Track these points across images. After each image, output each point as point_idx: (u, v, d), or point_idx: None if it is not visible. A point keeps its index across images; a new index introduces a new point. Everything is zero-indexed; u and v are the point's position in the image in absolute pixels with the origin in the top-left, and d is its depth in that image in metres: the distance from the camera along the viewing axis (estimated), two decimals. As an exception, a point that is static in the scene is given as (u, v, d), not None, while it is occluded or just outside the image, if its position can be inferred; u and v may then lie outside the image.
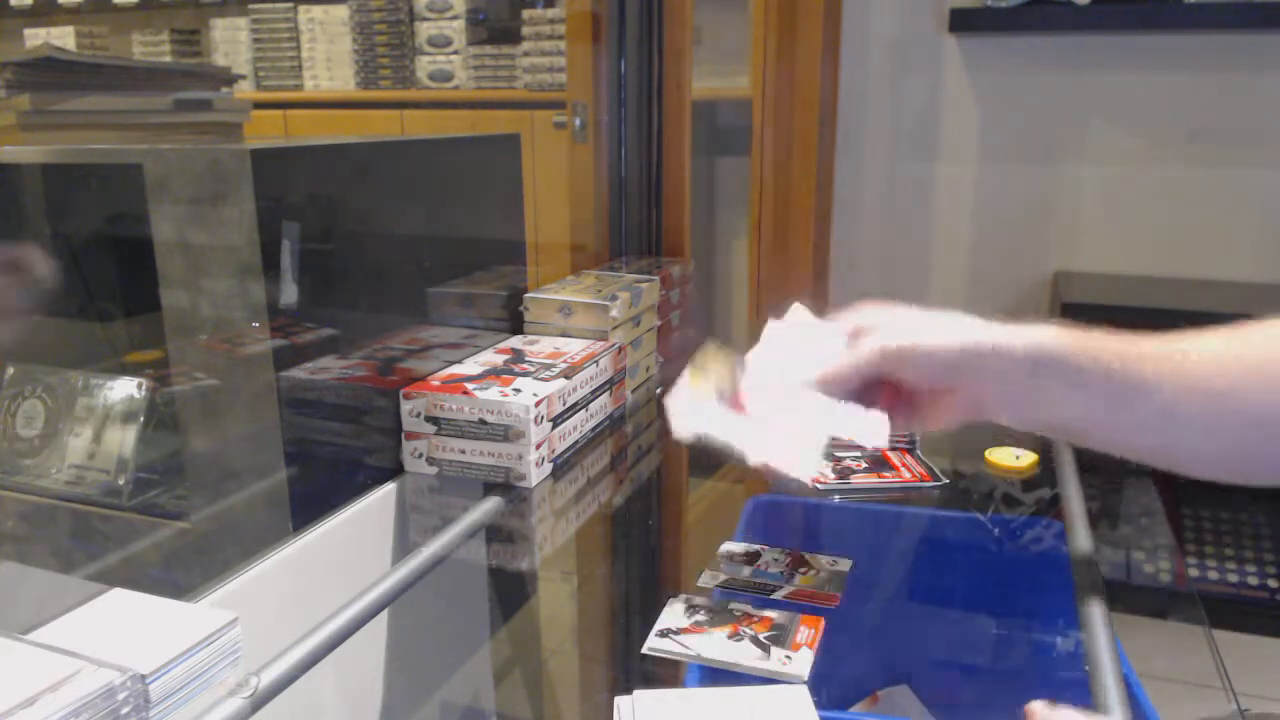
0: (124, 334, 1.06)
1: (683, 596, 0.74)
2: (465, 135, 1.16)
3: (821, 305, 0.74)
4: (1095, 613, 0.72)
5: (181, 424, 0.87)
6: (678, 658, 0.66)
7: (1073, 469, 0.99)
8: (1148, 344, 0.63)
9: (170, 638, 0.53)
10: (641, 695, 0.58)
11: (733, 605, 0.73)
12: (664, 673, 0.66)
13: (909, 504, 0.98)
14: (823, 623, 0.70)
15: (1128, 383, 0.61)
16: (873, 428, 0.64)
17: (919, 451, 1.08)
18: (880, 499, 0.99)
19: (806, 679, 0.63)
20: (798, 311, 0.72)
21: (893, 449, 1.08)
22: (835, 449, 1.07)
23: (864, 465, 1.04)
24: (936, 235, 2.17)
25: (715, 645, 0.67)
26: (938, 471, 1.01)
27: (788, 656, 0.65)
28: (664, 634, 0.69)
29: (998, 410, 0.65)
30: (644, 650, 0.67)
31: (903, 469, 1.02)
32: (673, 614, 0.71)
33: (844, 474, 1.02)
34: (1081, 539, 0.83)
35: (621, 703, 0.58)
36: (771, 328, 0.71)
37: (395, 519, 0.95)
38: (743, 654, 0.66)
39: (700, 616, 0.71)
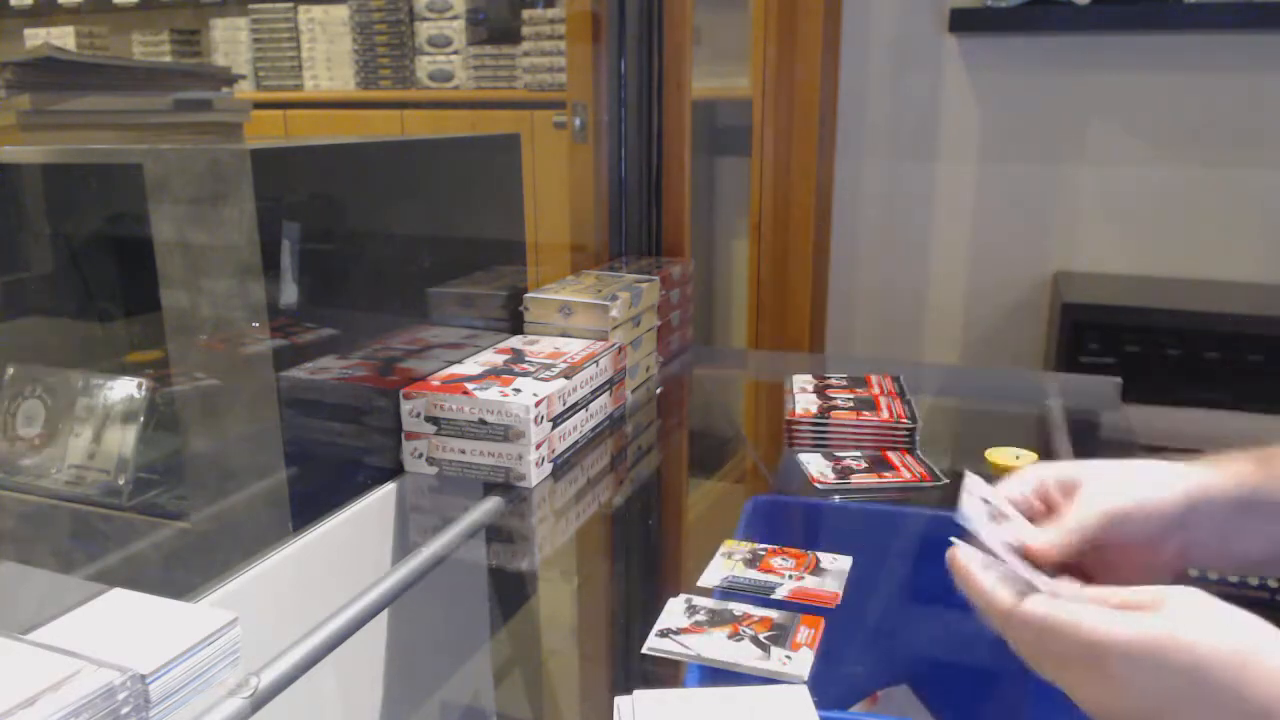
0: (124, 334, 1.06)
1: (683, 597, 0.73)
2: (465, 135, 1.16)
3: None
4: (1095, 613, 0.72)
5: (181, 424, 0.87)
6: (678, 658, 0.66)
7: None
8: None
9: (170, 638, 0.53)
10: (641, 695, 0.58)
11: (733, 605, 0.73)
12: (664, 673, 0.66)
13: (909, 504, 0.98)
14: (823, 622, 0.70)
15: None
16: None
17: (919, 451, 1.08)
18: (880, 499, 0.99)
19: (806, 679, 0.63)
20: (976, 485, 0.65)
21: (893, 448, 1.08)
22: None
23: (864, 465, 1.04)
24: (936, 235, 2.17)
25: (715, 645, 0.67)
26: (938, 471, 1.02)
27: (788, 656, 0.65)
28: (664, 634, 0.69)
29: (1204, 556, 0.61)
30: (644, 650, 0.67)
31: (903, 469, 1.03)
32: (673, 614, 0.71)
33: (844, 474, 1.02)
34: (1081, 539, 0.82)
35: (621, 703, 0.58)
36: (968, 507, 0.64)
37: (395, 519, 0.95)
38: (742, 654, 0.66)
39: (700, 616, 0.71)
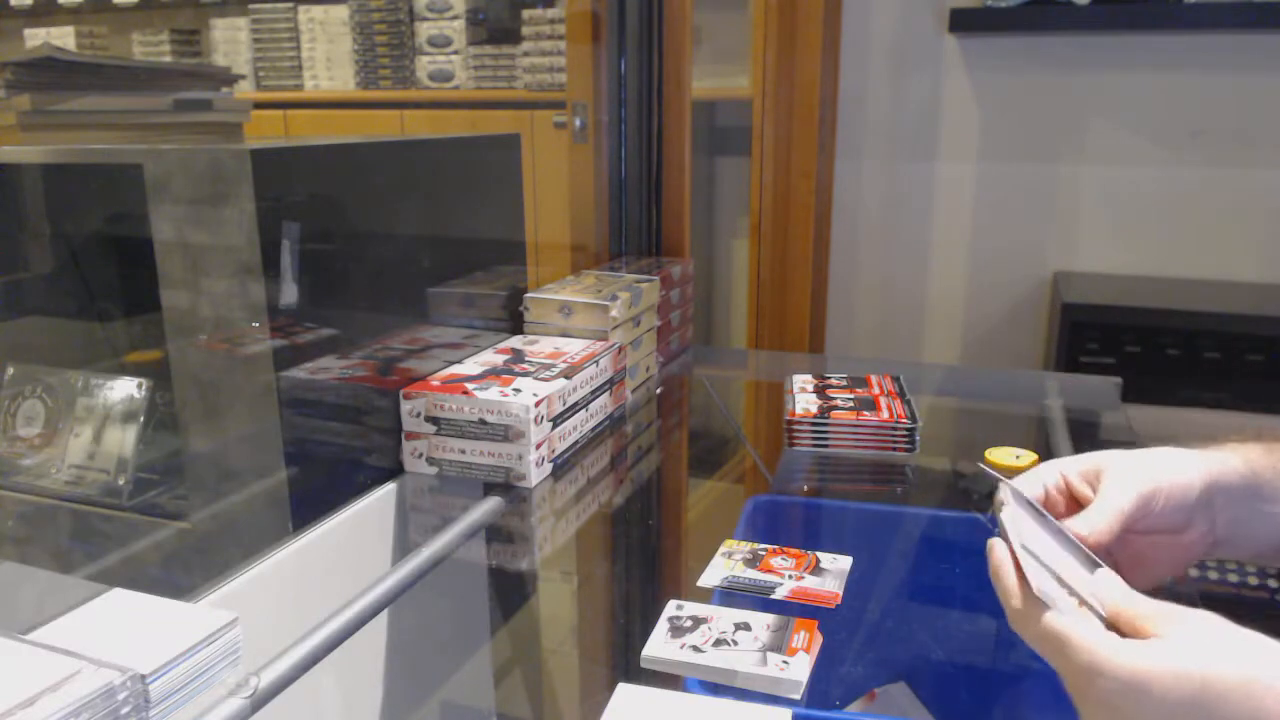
0: (124, 334, 1.06)
1: (675, 604, 0.73)
2: (465, 135, 1.16)
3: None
4: (1095, 613, 0.72)
5: (181, 424, 0.87)
6: (672, 670, 0.66)
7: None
8: None
9: (170, 638, 0.53)
10: (633, 690, 0.59)
11: (730, 609, 0.73)
12: (664, 673, 0.66)
13: (909, 504, 0.99)
14: (817, 625, 0.70)
15: None
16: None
17: (908, 396, 1.14)
18: (851, 440, 1.06)
19: (804, 686, 0.63)
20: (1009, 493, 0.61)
21: (884, 393, 1.15)
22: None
23: (851, 403, 1.11)
24: (936, 235, 2.17)
25: (712, 653, 0.67)
26: (916, 413, 1.07)
27: (785, 662, 0.65)
28: (661, 643, 0.68)
29: (1224, 541, 0.60)
30: (641, 663, 0.67)
31: (884, 409, 1.08)
32: (668, 621, 0.71)
33: (824, 410, 1.08)
34: (1081, 539, 0.82)
35: (620, 691, 0.58)
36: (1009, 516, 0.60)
37: (395, 519, 0.95)
38: (739, 661, 0.66)
39: (695, 622, 0.71)
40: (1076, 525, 0.56)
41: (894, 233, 2.20)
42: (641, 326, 1.26)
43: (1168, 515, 0.58)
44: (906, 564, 0.92)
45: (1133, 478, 0.58)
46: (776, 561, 0.80)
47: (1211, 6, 1.81)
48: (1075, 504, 0.60)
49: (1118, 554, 0.59)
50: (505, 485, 0.93)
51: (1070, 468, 0.60)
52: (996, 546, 0.53)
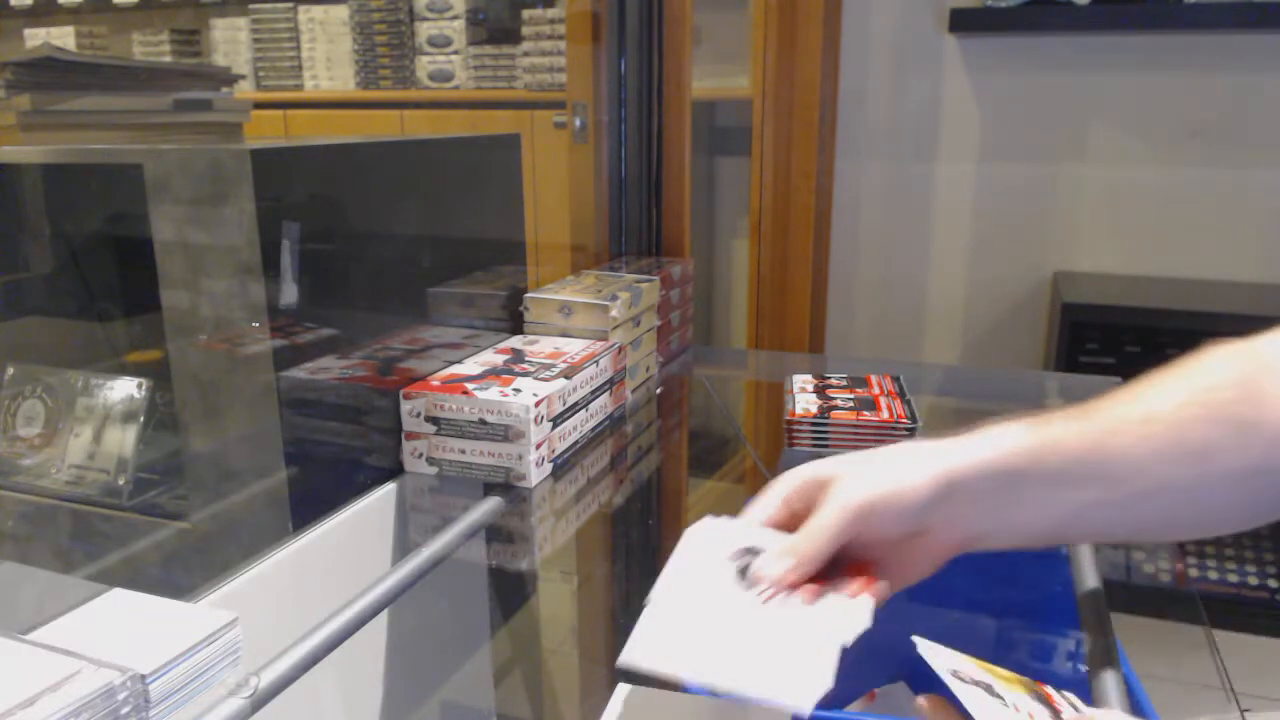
0: (124, 334, 1.06)
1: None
2: (465, 135, 1.16)
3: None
4: (1095, 613, 0.72)
5: (181, 424, 0.87)
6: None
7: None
8: (1105, 415, 0.58)
9: (170, 638, 0.53)
10: (633, 690, 0.59)
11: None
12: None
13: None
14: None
15: (1103, 467, 0.56)
16: (858, 615, 0.54)
17: (908, 396, 1.13)
18: (851, 440, 1.05)
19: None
20: (709, 523, 0.63)
21: (884, 393, 1.14)
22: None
23: (851, 403, 1.10)
24: (936, 235, 2.17)
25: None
26: (916, 413, 1.06)
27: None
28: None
29: (979, 532, 0.58)
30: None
31: (884, 409, 1.08)
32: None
33: (824, 410, 1.08)
34: (1081, 539, 0.82)
35: (620, 691, 0.58)
36: (684, 546, 0.62)
37: (395, 519, 0.95)
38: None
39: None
40: (787, 548, 0.56)
41: (894, 233, 2.20)
42: (641, 326, 1.26)
43: (893, 522, 0.56)
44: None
45: (846, 494, 0.56)
46: (776, 561, 0.80)
47: (1211, 6, 1.81)
48: (800, 519, 0.58)
49: (866, 558, 0.58)
50: (505, 485, 0.93)
51: (791, 482, 0.60)
52: (928, 708, 0.49)
